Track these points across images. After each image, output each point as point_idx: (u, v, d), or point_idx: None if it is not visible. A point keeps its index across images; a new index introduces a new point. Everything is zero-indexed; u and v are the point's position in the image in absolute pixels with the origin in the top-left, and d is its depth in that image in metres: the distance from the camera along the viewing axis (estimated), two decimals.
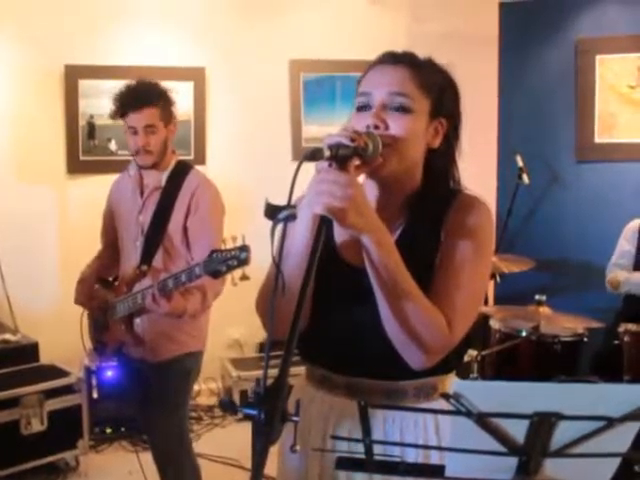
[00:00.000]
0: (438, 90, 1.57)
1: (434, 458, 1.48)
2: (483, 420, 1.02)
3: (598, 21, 4.98)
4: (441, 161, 1.62)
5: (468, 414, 1.00)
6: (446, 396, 0.99)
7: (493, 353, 3.78)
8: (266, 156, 4.92)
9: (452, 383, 1.06)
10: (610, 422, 1.02)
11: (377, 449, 1.38)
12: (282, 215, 1.26)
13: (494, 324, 3.93)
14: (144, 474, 3.22)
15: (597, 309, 4.15)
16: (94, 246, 3.28)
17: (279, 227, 1.31)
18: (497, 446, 1.09)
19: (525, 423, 1.04)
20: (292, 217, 1.28)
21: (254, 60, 4.96)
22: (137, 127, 2.85)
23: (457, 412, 1.00)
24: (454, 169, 1.65)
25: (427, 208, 1.57)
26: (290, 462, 1.68)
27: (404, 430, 1.55)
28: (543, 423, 1.02)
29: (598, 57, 4.92)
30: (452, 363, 1.58)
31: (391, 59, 1.58)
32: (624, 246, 4.10)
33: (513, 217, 4.86)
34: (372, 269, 1.42)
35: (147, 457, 3.12)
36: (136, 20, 4.74)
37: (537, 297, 3.68)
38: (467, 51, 5.01)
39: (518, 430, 1.06)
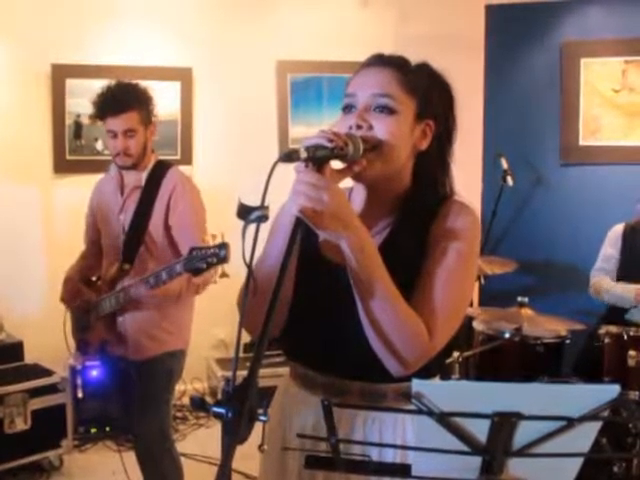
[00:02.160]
0: (425, 92, 1.56)
1: (412, 459, 1.49)
2: (445, 420, 1.03)
3: (583, 25, 5.00)
4: (430, 164, 1.60)
5: (430, 413, 1.01)
6: (407, 395, 1.00)
7: (476, 354, 3.79)
8: (253, 157, 4.89)
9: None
10: (570, 422, 1.04)
11: (356, 449, 1.40)
12: (253, 216, 1.26)
13: (477, 325, 3.94)
14: (127, 474, 3.23)
15: (580, 311, 4.17)
16: (80, 245, 3.30)
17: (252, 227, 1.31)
18: (461, 446, 1.10)
19: (487, 423, 1.05)
20: (264, 218, 1.28)
21: (241, 60, 4.96)
22: (116, 131, 2.88)
23: (419, 411, 1.01)
24: (445, 174, 1.63)
25: (414, 213, 1.56)
26: (271, 460, 1.68)
27: (383, 432, 1.54)
28: (504, 423, 1.04)
29: (583, 60, 4.94)
30: (433, 369, 1.56)
31: (377, 61, 1.58)
32: (608, 251, 4.11)
33: (497, 219, 4.87)
34: (350, 273, 1.42)
35: (131, 457, 3.12)
36: (124, 20, 4.74)
37: (519, 299, 3.68)
38: (453, 53, 5.00)
39: (480, 430, 1.07)
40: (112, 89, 2.90)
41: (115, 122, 2.86)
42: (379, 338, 1.42)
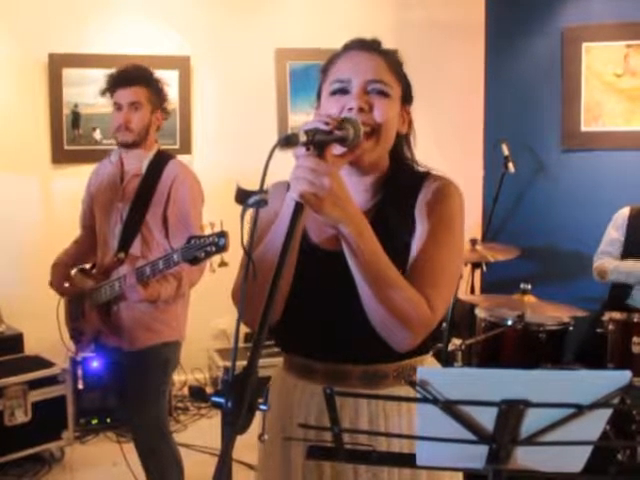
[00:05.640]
0: (405, 78, 1.62)
1: (416, 448, 1.47)
2: (451, 408, 1.00)
3: (585, 9, 4.96)
4: (406, 146, 1.67)
5: (435, 401, 0.98)
6: (412, 383, 0.98)
7: (479, 342, 3.78)
8: (252, 145, 4.83)
9: (419, 366, 1.04)
10: (579, 409, 1.01)
11: (362, 438, 1.38)
12: (252, 200, 1.24)
13: (480, 313, 3.92)
14: (129, 465, 3.22)
15: (582, 298, 4.15)
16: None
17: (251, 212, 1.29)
18: (467, 434, 1.07)
19: (494, 411, 1.02)
20: (262, 202, 1.25)
21: (240, 48, 4.93)
22: (122, 103, 2.88)
23: (424, 399, 0.98)
24: (412, 154, 1.70)
25: (398, 191, 1.60)
26: (272, 453, 1.66)
27: (388, 412, 1.55)
28: (511, 411, 1.01)
29: (584, 45, 4.90)
30: (429, 343, 1.60)
31: (363, 46, 1.59)
32: (612, 234, 4.08)
33: (499, 205, 4.87)
34: (351, 258, 1.42)
35: (132, 448, 3.11)
36: (121, 8, 4.71)
37: (522, 286, 3.66)
38: (454, 39, 5.00)
39: (487, 418, 1.05)
40: (127, 67, 2.93)
41: (123, 93, 2.88)
42: (385, 314, 1.43)
